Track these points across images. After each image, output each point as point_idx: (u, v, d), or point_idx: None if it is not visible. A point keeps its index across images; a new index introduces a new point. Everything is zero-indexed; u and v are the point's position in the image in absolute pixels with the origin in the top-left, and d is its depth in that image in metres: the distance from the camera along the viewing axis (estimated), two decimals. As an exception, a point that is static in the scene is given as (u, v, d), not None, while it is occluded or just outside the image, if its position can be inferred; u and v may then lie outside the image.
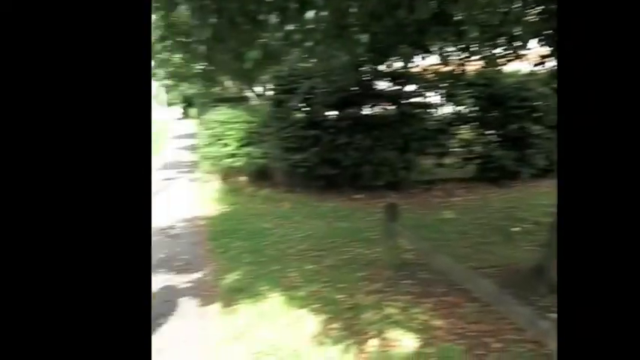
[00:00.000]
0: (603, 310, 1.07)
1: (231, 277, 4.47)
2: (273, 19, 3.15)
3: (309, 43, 3.03)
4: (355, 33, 3.19)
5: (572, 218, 1.12)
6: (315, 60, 7.16)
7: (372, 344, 3.08)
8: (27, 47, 0.99)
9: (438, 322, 3.29)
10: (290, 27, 3.45)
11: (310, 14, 3.06)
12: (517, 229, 5.70)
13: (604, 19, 1.08)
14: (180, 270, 4.83)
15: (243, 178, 9.08)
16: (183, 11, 3.76)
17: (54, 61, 1.01)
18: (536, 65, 4.36)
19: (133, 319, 1.07)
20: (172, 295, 4.18)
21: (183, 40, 3.90)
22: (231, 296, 4.01)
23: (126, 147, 1.08)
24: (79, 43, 1.03)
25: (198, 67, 13.87)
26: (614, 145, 1.09)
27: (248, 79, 15.37)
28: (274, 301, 3.89)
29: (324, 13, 3.14)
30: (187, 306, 3.95)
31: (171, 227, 6.54)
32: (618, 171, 1.08)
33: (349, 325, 3.37)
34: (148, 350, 1.16)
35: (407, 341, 3.09)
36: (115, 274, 1.06)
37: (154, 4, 3.42)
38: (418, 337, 3.12)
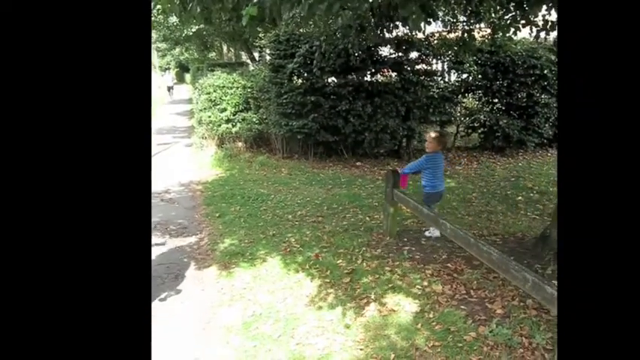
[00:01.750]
0: (604, 303, 1.06)
1: (227, 242, 4.36)
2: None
3: (309, 1, 2.84)
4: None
5: (572, 209, 1.11)
6: (315, 22, 6.85)
7: (371, 309, 2.99)
8: (27, 45, 0.98)
9: (439, 288, 3.20)
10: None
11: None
12: (521, 198, 5.59)
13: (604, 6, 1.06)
14: (176, 234, 4.72)
15: (240, 144, 8.88)
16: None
17: (53, 57, 1.00)
18: (539, 32, 4.11)
19: (133, 317, 1.07)
20: (167, 258, 4.08)
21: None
22: (228, 260, 3.92)
23: (125, 145, 1.09)
24: (79, 40, 1.02)
25: (194, 29, 13.45)
26: (615, 135, 1.07)
27: (245, 42, 14.97)
28: (272, 265, 3.79)
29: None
30: (183, 269, 3.84)
31: (167, 191, 6.40)
32: (619, 160, 1.06)
33: (348, 289, 3.28)
34: (148, 348, 1.14)
35: (407, 306, 3.00)
36: (114, 271, 1.06)
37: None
38: (419, 303, 3.03)
